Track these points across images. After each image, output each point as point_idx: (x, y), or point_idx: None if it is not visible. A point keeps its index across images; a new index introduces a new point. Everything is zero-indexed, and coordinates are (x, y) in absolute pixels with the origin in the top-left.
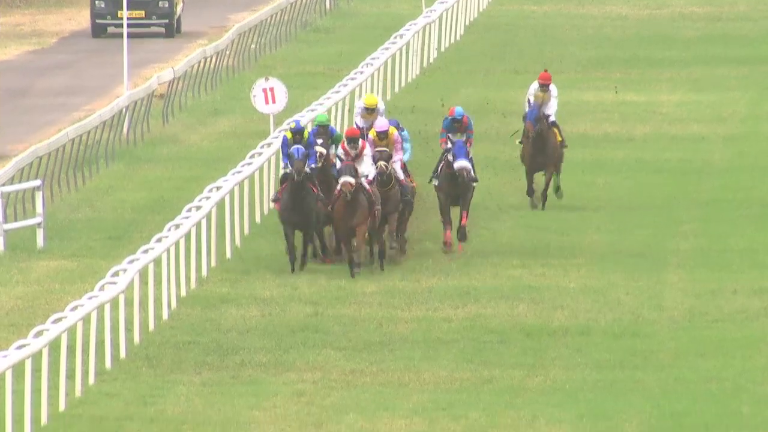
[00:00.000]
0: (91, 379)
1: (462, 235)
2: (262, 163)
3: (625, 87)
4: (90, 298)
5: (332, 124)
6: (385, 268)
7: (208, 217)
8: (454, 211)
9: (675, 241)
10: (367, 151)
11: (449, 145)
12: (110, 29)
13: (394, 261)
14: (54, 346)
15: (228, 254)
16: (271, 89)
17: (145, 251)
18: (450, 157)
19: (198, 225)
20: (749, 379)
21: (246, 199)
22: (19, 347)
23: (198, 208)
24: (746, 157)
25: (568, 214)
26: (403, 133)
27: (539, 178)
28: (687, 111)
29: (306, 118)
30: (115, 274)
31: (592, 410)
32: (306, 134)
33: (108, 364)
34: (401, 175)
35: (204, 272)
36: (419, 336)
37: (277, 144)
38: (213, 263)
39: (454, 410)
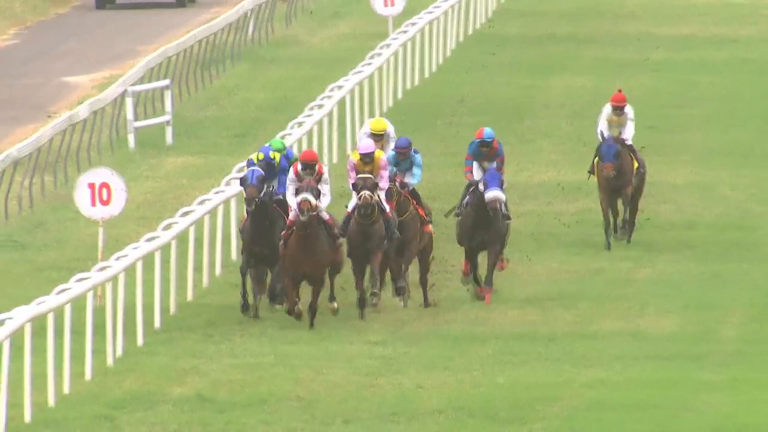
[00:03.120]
0: (218, 271)
1: (488, 280)
2: (381, 63)
3: None
4: (217, 193)
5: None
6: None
7: (330, 115)
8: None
9: None
10: (384, 169)
11: (476, 175)
12: None
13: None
14: (182, 239)
15: (348, 150)
16: None
17: None
18: (481, 187)
19: (320, 122)
20: None
21: (366, 98)
22: (149, 239)
23: (320, 106)
24: None
25: (674, 112)
26: (416, 156)
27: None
28: None
29: (417, 24)
30: (241, 169)
31: (698, 301)
32: (278, 161)
33: (233, 256)
34: (386, 207)
35: (326, 168)
36: (531, 230)
37: (396, 44)
38: (334, 159)
39: (564, 300)
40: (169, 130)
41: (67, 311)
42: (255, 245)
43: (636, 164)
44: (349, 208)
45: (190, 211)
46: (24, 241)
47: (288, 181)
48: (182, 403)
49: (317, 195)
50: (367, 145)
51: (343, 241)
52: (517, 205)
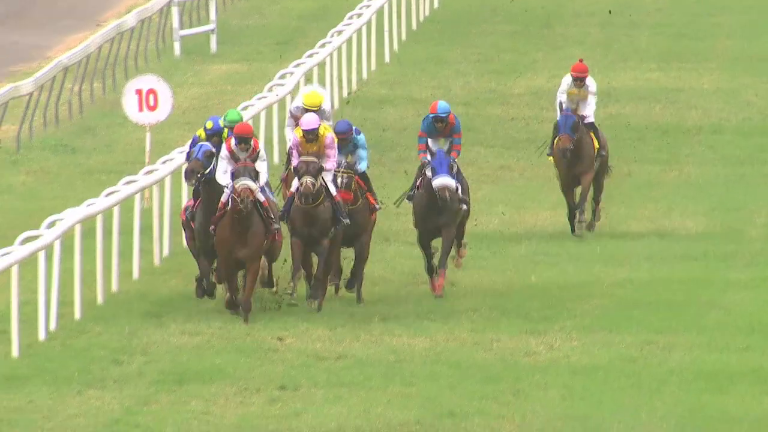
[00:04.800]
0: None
1: (442, 262)
2: None
3: None
4: (259, 98)
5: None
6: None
7: (368, 24)
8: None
9: None
10: (330, 148)
11: (429, 156)
12: None
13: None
14: None
15: (386, 59)
16: None
17: (310, 56)
18: (429, 173)
19: (359, 31)
20: None
21: (403, 7)
22: None
23: (359, 15)
24: None
25: (702, 20)
26: (358, 138)
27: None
28: None
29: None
30: (282, 76)
31: (724, 202)
32: (225, 134)
33: (276, 159)
34: (334, 190)
35: (364, 75)
36: None
37: None
38: (372, 67)
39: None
40: (213, 38)
41: (116, 213)
42: (206, 225)
43: (597, 146)
44: (293, 189)
45: None
46: (74, 145)
47: (220, 158)
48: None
49: (256, 177)
50: (309, 120)
51: (281, 225)
52: (549, 110)
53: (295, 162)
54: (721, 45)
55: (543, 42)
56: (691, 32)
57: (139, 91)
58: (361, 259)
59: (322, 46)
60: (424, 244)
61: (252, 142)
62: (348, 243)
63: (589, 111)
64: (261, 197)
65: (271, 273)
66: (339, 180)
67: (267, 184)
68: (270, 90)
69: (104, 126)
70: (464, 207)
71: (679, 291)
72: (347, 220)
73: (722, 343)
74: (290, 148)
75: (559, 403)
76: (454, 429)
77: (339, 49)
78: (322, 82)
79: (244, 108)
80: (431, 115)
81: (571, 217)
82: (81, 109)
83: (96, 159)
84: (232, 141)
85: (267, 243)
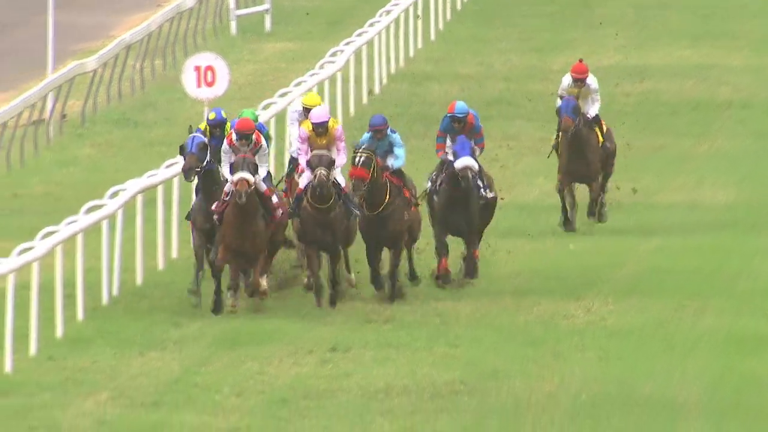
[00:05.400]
0: None
1: (470, 269)
2: None
3: None
4: (311, 75)
5: None
6: None
7: (415, 4)
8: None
9: None
10: (340, 140)
11: (449, 152)
12: None
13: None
14: (279, 117)
15: (432, 37)
16: None
17: (359, 34)
18: (451, 157)
19: (406, 11)
20: None
21: None
22: None
23: None
24: None
25: (730, 1)
26: (393, 136)
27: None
28: None
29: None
30: (333, 54)
31: (753, 174)
32: (228, 127)
33: None
34: (343, 182)
35: (411, 52)
36: (600, 108)
37: None
38: (419, 45)
39: (630, 174)
40: (267, 18)
41: (175, 183)
42: (206, 222)
43: (602, 139)
44: (301, 185)
45: (287, 92)
46: (136, 119)
47: (222, 152)
48: (282, 264)
49: (255, 170)
50: (319, 113)
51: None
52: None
53: (305, 158)
54: (748, 24)
55: (580, 21)
56: (721, 12)
57: (197, 68)
58: (397, 257)
59: (371, 25)
60: (442, 239)
61: (254, 137)
62: (385, 243)
63: (594, 110)
64: (262, 187)
65: (268, 265)
66: (357, 158)
67: (269, 175)
68: (321, 67)
69: (164, 101)
70: (490, 195)
71: (709, 258)
72: (357, 212)
73: (751, 307)
74: (299, 142)
75: (596, 365)
76: (497, 389)
77: (387, 27)
78: (370, 59)
79: (297, 83)
80: (449, 115)
81: (567, 223)
82: (142, 85)
83: (157, 132)
84: (233, 136)
85: (269, 232)
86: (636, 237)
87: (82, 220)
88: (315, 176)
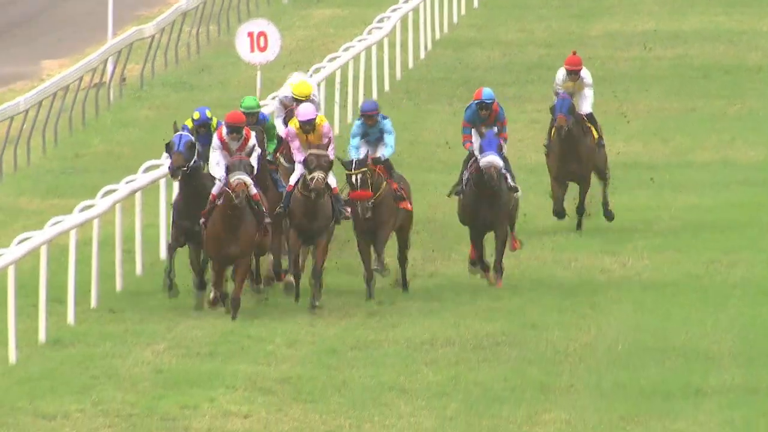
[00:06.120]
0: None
1: (497, 266)
2: None
3: None
4: (359, 40)
5: None
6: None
7: None
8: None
9: None
10: (328, 137)
11: (476, 143)
12: None
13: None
14: (329, 81)
15: (475, 4)
16: None
17: (406, 1)
18: (477, 152)
19: None
20: None
21: None
22: None
23: None
24: None
25: None
26: (385, 122)
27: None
28: None
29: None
30: (380, 20)
31: None
32: (214, 125)
33: (374, 94)
34: (333, 182)
35: (454, 19)
36: (635, 72)
37: None
38: (462, 11)
39: (663, 134)
40: None
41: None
42: (184, 219)
43: (596, 135)
44: (292, 182)
45: (336, 57)
46: (192, 82)
47: (212, 148)
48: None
49: (251, 172)
50: (306, 110)
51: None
52: (623, 50)
53: (299, 156)
54: None
55: None
56: None
57: (250, 34)
58: (380, 249)
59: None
60: (477, 240)
61: (243, 132)
62: (370, 235)
63: (587, 105)
64: (253, 191)
65: (258, 268)
66: (354, 179)
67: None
68: (369, 33)
69: (219, 65)
70: (517, 194)
71: (741, 214)
72: (347, 213)
73: None
74: (288, 139)
75: (631, 316)
76: (536, 339)
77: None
78: (416, 25)
79: (346, 48)
80: (475, 102)
81: (559, 216)
82: (198, 50)
83: (211, 95)
84: (224, 130)
85: (258, 238)
86: (671, 193)
87: (141, 178)
88: (313, 179)
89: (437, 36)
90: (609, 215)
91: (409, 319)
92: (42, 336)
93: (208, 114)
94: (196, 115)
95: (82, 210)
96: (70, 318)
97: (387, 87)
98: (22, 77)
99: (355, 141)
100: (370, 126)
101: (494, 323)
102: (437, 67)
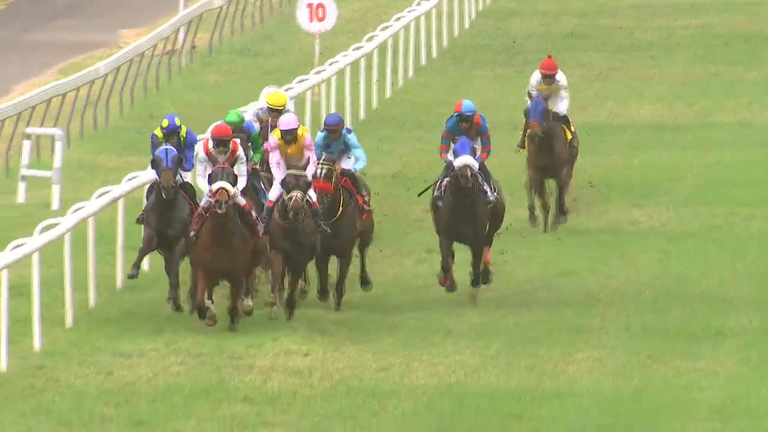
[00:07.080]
0: (410, 73)
1: (478, 278)
2: None
3: None
4: (409, 11)
5: None
6: None
7: None
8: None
9: None
10: (309, 149)
11: (450, 153)
12: None
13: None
14: (381, 48)
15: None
16: None
17: None
18: (450, 156)
19: None
20: None
21: None
22: (355, 49)
23: None
24: None
25: None
26: (349, 136)
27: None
28: None
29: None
30: None
31: None
32: (184, 133)
33: (423, 61)
34: (314, 197)
35: None
36: (661, 40)
37: None
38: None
39: (688, 98)
40: None
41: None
42: (160, 225)
43: (570, 136)
44: (271, 198)
45: (388, 26)
46: (256, 50)
47: (197, 161)
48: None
49: (234, 181)
50: (288, 120)
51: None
52: (649, 20)
53: (280, 174)
54: None
55: None
56: None
57: (310, 5)
58: (346, 265)
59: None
60: (446, 251)
61: (230, 145)
62: (334, 252)
63: (563, 106)
64: (241, 201)
65: (249, 281)
66: (318, 171)
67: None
68: (418, 4)
69: (281, 34)
70: (491, 199)
71: (758, 171)
72: (327, 228)
73: None
74: (269, 150)
75: (657, 264)
76: (570, 284)
77: None
78: None
79: (397, 18)
80: (456, 114)
81: (534, 219)
82: (262, 20)
83: (274, 62)
84: (210, 143)
85: (251, 246)
86: (693, 152)
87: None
88: (291, 199)
89: (480, 7)
90: (562, 219)
91: (454, 266)
92: (119, 282)
93: (177, 122)
94: (165, 123)
95: None
96: (145, 265)
97: (435, 54)
98: (102, 45)
99: (317, 153)
100: (334, 139)
101: (532, 270)
102: (480, 36)
